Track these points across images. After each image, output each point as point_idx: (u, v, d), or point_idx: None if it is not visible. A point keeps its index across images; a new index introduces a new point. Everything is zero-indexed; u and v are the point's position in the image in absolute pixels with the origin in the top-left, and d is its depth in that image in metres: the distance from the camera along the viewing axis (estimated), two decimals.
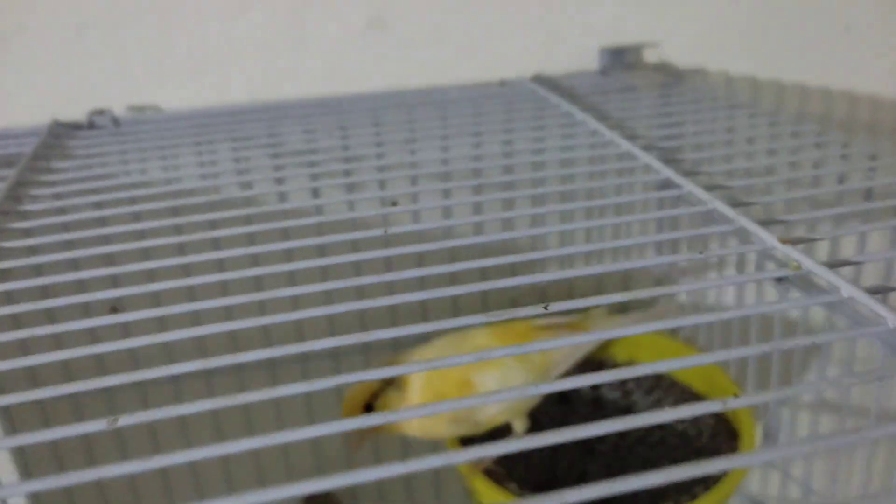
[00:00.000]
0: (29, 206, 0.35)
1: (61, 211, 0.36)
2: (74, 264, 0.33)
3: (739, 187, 0.34)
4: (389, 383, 0.43)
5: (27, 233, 0.34)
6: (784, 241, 0.29)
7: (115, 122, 0.46)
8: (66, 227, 0.34)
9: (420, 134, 0.47)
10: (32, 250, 0.32)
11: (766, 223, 0.30)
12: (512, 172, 0.41)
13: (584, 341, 0.28)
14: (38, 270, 0.32)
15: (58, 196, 0.37)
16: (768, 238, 0.29)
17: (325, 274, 0.45)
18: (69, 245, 0.34)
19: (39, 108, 0.48)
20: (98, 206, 0.37)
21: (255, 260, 0.36)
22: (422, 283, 0.49)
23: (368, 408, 0.43)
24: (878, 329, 0.24)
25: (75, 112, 0.48)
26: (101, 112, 0.46)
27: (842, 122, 0.59)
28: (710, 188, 0.34)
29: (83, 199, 0.36)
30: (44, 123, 0.46)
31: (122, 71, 0.49)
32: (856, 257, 0.28)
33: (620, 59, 0.51)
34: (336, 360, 0.53)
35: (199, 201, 0.38)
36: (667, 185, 0.35)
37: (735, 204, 0.32)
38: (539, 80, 0.50)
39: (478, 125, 0.47)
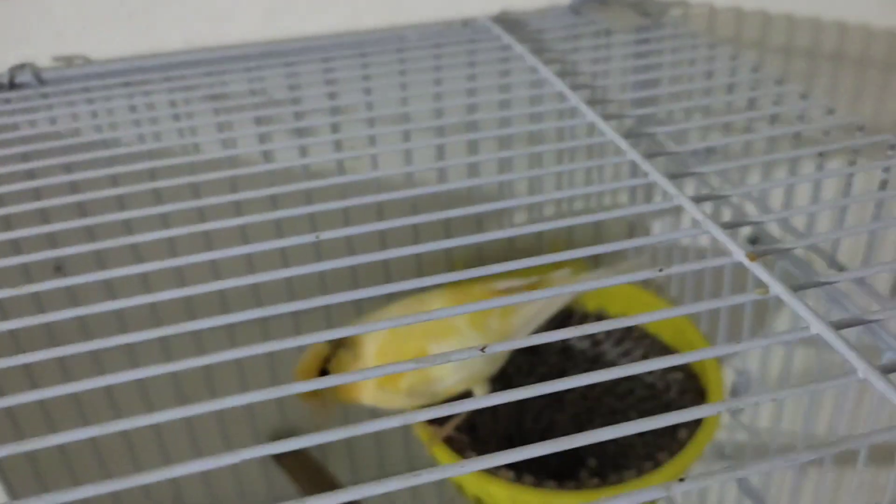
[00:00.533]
0: None
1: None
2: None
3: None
4: (341, 346, 0.41)
5: None
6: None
7: (39, 78, 0.42)
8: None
9: (375, 83, 0.43)
10: None
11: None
12: (476, 129, 0.38)
13: (544, 296, 0.27)
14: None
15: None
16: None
17: (278, 228, 0.43)
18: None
19: None
20: (31, 175, 0.35)
21: (201, 214, 0.34)
22: (382, 237, 0.47)
23: (323, 372, 0.42)
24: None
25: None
26: (22, 67, 0.42)
27: (831, 54, 0.55)
28: (674, 176, 0.32)
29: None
30: None
31: (43, 16, 0.44)
32: None
33: None
34: (297, 320, 0.52)
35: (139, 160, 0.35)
36: (634, 170, 0.33)
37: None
38: (503, 20, 0.46)
39: (438, 71, 0.43)
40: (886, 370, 0.21)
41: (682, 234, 0.30)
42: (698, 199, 0.30)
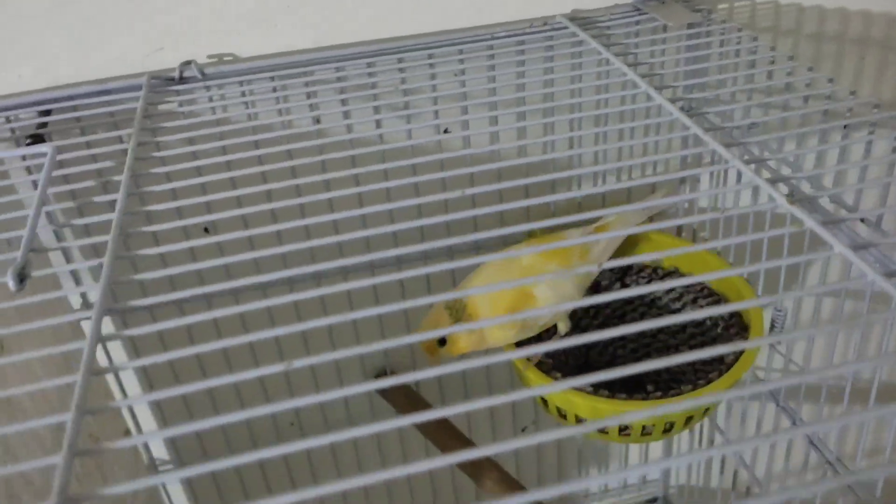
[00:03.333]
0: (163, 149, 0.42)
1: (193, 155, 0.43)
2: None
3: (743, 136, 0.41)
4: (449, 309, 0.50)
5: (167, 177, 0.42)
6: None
7: (203, 73, 0.52)
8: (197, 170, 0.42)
9: (468, 65, 0.53)
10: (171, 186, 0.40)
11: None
12: (552, 99, 0.47)
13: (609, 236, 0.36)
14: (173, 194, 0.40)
15: (192, 152, 0.44)
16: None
17: (388, 195, 0.53)
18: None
19: (124, 58, 0.54)
20: (193, 143, 0.44)
21: (327, 185, 0.42)
22: (473, 202, 0.56)
23: (441, 342, 0.51)
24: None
25: (155, 63, 0.54)
26: (188, 63, 0.52)
27: (856, 39, 0.63)
28: (727, 145, 0.41)
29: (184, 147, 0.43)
30: (136, 74, 0.52)
31: (199, 22, 0.54)
32: None
33: None
34: (399, 266, 0.61)
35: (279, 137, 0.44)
36: (688, 139, 0.42)
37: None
38: (576, 17, 0.55)
39: (521, 65, 0.52)
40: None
41: (737, 188, 0.39)
42: (748, 162, 0.39)
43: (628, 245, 0.61)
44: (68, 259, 0.54)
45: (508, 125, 0.56)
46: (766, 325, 0.57)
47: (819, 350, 0.73)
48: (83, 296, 0.54)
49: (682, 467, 0.78)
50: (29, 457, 0.31)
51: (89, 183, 0.41)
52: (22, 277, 0.34)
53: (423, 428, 0.65)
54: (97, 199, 0.40)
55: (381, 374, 0.71)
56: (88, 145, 0.46)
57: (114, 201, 0.38)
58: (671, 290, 0.63)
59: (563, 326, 0.54)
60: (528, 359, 0.53)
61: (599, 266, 0.38)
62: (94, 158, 0.44)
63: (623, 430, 0.51)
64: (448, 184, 0.46)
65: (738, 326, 0.57)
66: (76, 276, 0.55)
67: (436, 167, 0.42)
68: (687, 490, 0.85)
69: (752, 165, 0.40)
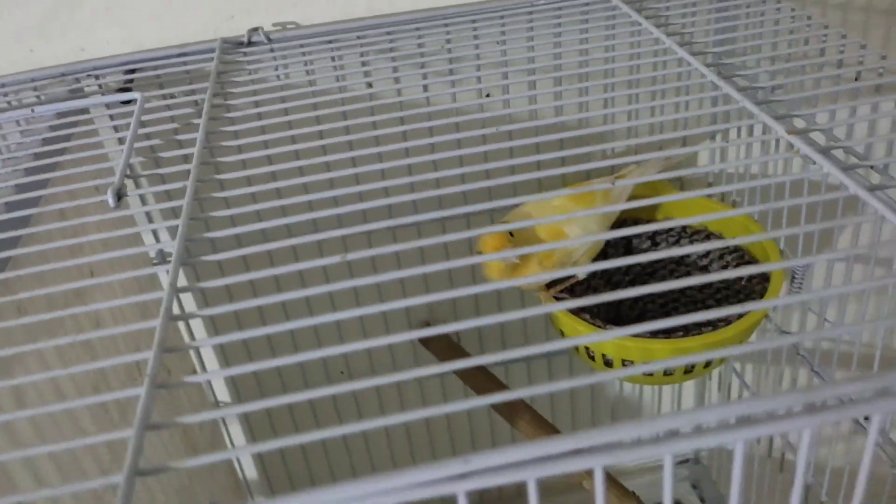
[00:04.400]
0: (234, 113, 0.48)
1: (258, 116, 0.48)
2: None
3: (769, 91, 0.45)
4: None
5: (233, 122, 0.47)
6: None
7: (269, 38, 0.57)
8: (262, 130, 0.47)
9: (510, 36, 0.57)
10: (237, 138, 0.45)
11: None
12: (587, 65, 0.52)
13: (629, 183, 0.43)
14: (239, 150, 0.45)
15: (256, 102, 0.49)
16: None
17: (433, 149, 0.57)
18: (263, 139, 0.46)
19: (200, 26, 0.60)
20: (259, 105, 0.49)
21: (377, 140, 0.45)
22: (511, 153, 0.60)
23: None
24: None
25: (229, 30, 0.60)
26: (255, 30, 0.57)
27: (884, 10, 0.66)
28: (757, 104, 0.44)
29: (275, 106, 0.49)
30: (210, 40, 0.58)
31: None
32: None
33: None
34: (443, 226, 0.66)
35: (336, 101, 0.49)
36: (715, 89, 0.46)
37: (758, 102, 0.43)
38: None
39: (557, 28, 0.57)
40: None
41: (762, 138, 0.42)
42: (777, 118, 0.42)
43: (660, 206, 0.65)
44: (145, 203, 0.60)
45: (546, 90, 0.61)
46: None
47: (850, 316, 0.75)
48: (160, 252, 0.60)
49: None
50: (113, 389, 0.35)
51: (168, 130, 0.47)
52: (120, 196, 0.39)
53: (463, 376, 0.69)
54: (172, 153, 0.44)
55: (425, 325, 0.76)
56: (167, 99, 0.52)
57: (190, 155, 0.43)
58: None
59: (581, 274, 0.58)
60: (556, 298, 0.57)
61: (617, 207, 0.42)
62: (171, 114, 0.49)
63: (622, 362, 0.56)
64: (488, 140, 0.50)
65: (760, 277, 0.61)
66: (155, 233, 0.62)
67: (477, 126, 0.46)
68: (717, 453, 0.88)
69: (781, 122, 0.42)
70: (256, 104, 0.48)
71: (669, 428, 0.24)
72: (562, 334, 0.58)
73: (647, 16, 0.55)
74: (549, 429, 0.65)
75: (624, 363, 0.55)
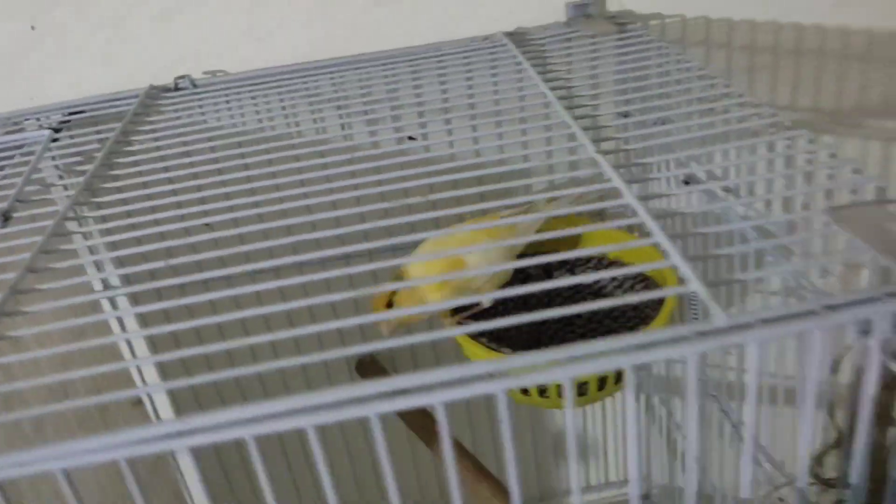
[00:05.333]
0: (135, 147, 0.52)
1: (157, 148, 0.53)
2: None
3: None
4: (398, 279, 0.58)
5: (135, 164, 0.51)
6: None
7: (194, 84, 0.62)
8: (162, 158, 0.51)
9: (424, 78, 0.61)
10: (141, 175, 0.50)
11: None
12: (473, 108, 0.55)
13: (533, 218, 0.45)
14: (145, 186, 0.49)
15: (156, 138, 0.54)
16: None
17: (356, 187, 0.61)
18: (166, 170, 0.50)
19: (137, 74, 0.66)
20: (184, 143, 0.53)
21: (302, 183, 0.47)
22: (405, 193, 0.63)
23: (389, 304, 0.59)
24: None
25: (165, 78, 0.65)
26: (182, 77, 0.63)
27: (790, 50, 0.68)
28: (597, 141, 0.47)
29: (174, 140, 0.53)
30: (142, 87, 0.63)
31: (194, 42, 0.66)
32: None
33: (583, 10, 0.63)
34: (370, 257, 0.70)
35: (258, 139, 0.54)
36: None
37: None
38: (512, 34, 0.63)
39: (469, 71, 0.60)
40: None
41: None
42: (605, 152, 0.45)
43: (577, 241, 0.68)
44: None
45: (436, 129, 0.64)
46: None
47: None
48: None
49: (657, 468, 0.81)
50: None
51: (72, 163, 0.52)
52: (6, 217, 0.44)
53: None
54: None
55: (363, 358, 0.78)
56: (75, 138, 0.57)
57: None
58: (614, 279, 0.68)
59: (486, 302, 0.60)
60: (460, 322, 0.60)
61: (519, 241, 0.45)
62: (77, 150, 0.54)
63: (542, 392, 0.57)
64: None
65: (656, 303, 0.63)
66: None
67: (396, 168, 0.48)
68: (667, 490, 0.88)
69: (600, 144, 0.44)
70: (156, 139, 0.52)
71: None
72: (468, 359, 0.61)
73: (534, 63, 0.58)
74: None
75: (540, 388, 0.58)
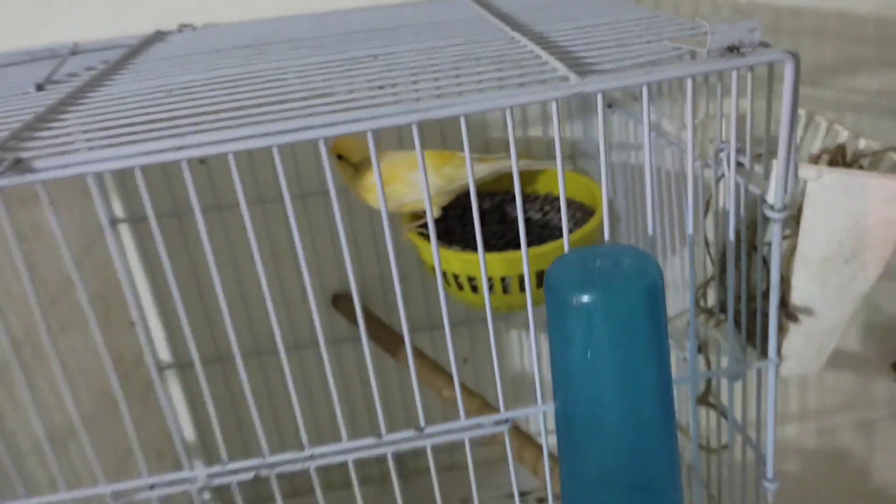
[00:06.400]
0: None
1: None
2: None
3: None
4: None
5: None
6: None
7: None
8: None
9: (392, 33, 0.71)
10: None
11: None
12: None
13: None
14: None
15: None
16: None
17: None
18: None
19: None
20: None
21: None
22: None
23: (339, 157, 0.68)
24: None
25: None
26: (187, 25, 0.73)
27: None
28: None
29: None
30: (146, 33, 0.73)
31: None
32: None
33: None
34: None
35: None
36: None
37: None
38: None
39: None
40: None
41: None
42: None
43: (538, 182, 0.77)
44: None
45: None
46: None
47: None
48: None
49: None
50: None
51: None
52: (40, 88, 0.52)
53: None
54: None
55: (338, 293, 0.86)
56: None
57: None
58: (559, 212, 0.77)
59: (436, 211, 0.69)
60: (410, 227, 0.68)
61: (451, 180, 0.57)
62: None
63: (474, 289, 0.65)
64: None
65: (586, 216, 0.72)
66: None
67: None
68: None
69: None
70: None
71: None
72: (423, 262, 0.69)
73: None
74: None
75: (471, 282, 0.65)
